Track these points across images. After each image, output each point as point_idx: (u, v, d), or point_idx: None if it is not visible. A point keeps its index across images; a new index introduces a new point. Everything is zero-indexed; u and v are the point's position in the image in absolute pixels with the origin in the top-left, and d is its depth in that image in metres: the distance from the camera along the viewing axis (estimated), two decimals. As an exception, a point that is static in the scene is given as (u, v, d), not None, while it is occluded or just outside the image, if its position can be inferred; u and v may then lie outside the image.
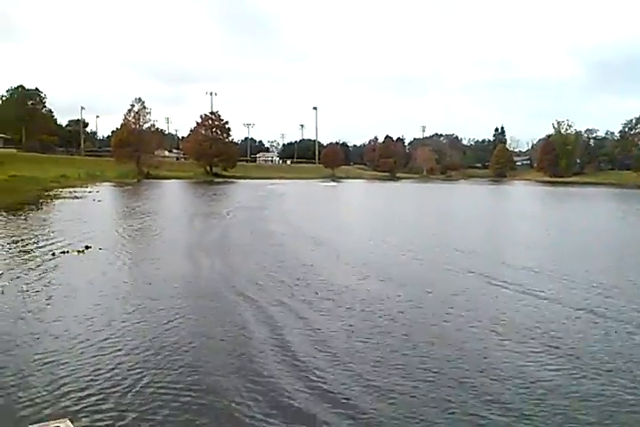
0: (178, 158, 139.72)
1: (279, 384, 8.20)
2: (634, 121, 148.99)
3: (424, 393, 8.00)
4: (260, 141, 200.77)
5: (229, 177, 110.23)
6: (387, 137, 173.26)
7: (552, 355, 9.69)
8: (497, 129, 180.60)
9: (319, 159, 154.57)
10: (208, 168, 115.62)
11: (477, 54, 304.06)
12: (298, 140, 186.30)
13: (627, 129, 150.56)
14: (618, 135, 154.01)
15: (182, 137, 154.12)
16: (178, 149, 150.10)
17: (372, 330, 10.92)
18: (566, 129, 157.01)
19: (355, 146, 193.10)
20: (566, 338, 10.62)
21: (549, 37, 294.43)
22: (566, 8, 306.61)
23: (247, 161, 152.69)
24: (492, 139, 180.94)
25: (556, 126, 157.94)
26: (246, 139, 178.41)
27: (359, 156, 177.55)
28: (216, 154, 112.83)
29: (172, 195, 60.62)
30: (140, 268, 17.19)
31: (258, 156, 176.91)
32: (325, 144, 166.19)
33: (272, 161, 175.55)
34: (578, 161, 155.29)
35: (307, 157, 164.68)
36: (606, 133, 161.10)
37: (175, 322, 11.12)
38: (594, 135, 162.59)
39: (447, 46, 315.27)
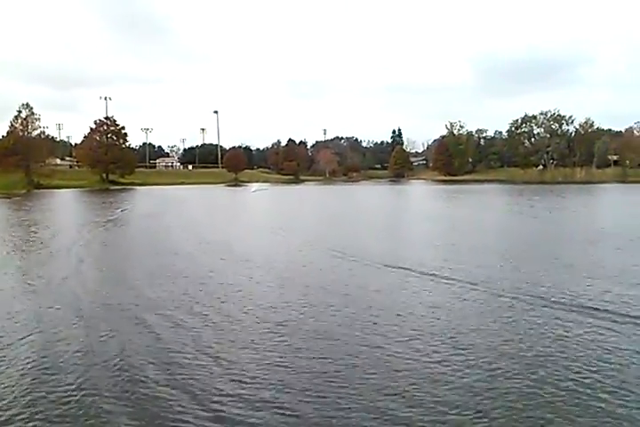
0: (71, 166, 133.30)
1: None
2: (519, 121, 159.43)
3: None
4: (160, 146, 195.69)
5: (127, 184, 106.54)
6: (289, 140, 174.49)
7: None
8: (394, 131, 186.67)
9: (222, 164, 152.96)
10: (104, 176, 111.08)
11: (376, 59, 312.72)
12: (199, 145, 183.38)
13: (513, 128, 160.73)
14: (506, 135, 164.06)
15: (75, 144, 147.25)
16: (71, 156, 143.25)
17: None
18: (458, 130, 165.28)
19: (258, 150, 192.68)
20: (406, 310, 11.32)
21: (442, 44, 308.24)
22: (457, 17, 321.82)
23: (146, 167, 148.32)
24: (389, 141, 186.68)
25: (449, 127, 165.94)
26: (144, 144, 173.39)
27: (263, 159, 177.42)
28: (112, 160, 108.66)
29: (58, 205, 58.07)
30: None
31: (157, 161, 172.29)
32: (228, 148, 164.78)
33: (173, 166, 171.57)
34: (470, 160, 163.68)
35: (209, 161, 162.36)
36: (495, 133, 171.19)
37: None
38: (484, 135, 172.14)
39: (347, 50, 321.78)
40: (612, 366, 9.14)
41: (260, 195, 72.08)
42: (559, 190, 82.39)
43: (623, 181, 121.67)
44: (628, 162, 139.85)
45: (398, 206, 56.63)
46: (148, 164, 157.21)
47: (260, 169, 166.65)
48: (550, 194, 72.87)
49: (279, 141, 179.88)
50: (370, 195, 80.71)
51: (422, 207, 53.06)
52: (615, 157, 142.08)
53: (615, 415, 7.40)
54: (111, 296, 14.32)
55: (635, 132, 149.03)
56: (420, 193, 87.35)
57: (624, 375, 8.71)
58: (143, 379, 8.68)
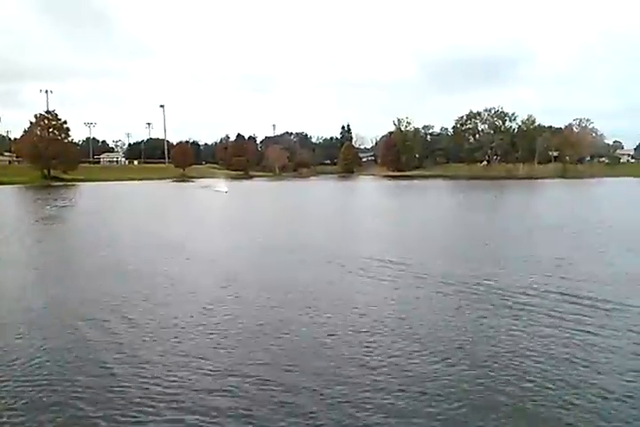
0: (11, 162, 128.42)
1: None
2: (464, 117, 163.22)
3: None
4: (104, 141, 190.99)
5: (70, 180, 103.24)
6: (238, 135, 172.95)
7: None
8: (343, 127, 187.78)
9: (169, 159, 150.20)
10: (46, 171, 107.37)
11: (324, 54, 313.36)
12: (145, 140, 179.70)
13: (458, 125, 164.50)
14: (451, 131, 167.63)
15: (15, 138, 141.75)
16: (10, 151, 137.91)
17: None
18: (406, 126, 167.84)
19: (206, 145, 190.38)
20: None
21: (390, 40, 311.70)
22: (405, 14, 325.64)
23: (90, 162, 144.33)
24: (339, 136, 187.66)
25: (396, 123, 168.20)
26: (88, 139, 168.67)
27: (211, 155, 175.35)
28: (54, 156, 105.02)
29: None
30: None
31: (102, 157, 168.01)
32: (175, 143, 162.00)
33: (118, 162, 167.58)
34: (417, 156, 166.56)
35: (155, 156, 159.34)
36: (441, 129, 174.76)
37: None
38: (430, 131, 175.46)
39: (296, 45, 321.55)
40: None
41: (207, 192, 70.60)
42: (501, 186, 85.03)
43: (563, 177, 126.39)
44: (567, 158, 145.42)
45: (347, 202, 57.33)
46: (91, 159, 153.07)
47: (209, 164, 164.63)
48: (491, 189, 75.28)
49: (228, 136, 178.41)
50: (319, 191, 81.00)
51: (370, 203, 53.79)
52: (556, 153, 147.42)
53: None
54: (21, 298, 14.04)
55: (574, 128, 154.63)
56: (369, 189, 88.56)
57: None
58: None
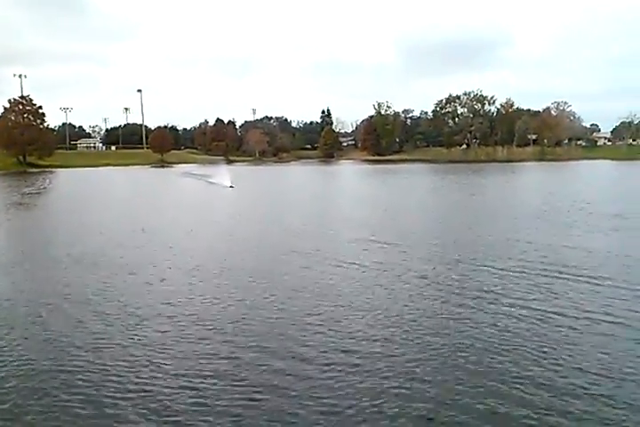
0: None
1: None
2: (444, 101, 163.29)
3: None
4: (81, 127, 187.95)
5: (46, 166, 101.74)
6: (217, 120, 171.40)
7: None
8: (324, 111, 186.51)
9: (147, 144, 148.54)
10: (21, 158, 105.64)
11: (304, 38, 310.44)
12: (122, 125, 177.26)
13: (438, 109, 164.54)
14: (431, 115, 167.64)
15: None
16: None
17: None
18: (386, 110, 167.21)
19: (185, 129, 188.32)
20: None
21: (370, 24, 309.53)
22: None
23: (67, 148, 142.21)
24: (319, 121, 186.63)
25: (376, 107, 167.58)
26: (64, 124, 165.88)
27: (190, 140, 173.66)
28: (29, 142, 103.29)
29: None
30: None
31: (78, 142, 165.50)
32: (153, 128, 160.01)
33: (95, 147, 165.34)
34: (397, 140, 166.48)
35: (133, 142, 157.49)
36: (421, 113, 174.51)
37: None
38: (410, 115, 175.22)
39: (275, 29, 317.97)
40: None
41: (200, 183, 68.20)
42: (479, 169, 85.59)
43: (541, 159, 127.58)
44: (545, 141, 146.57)
45: (330, 188, 57.38)
46: (68, 145, 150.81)
47: (188, 149, 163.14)
48: (470, 173, 75.82)
49: (207, 121, 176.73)
50: (300, 176, 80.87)
51: (351, 188, 54.00)
52: (534, 136, 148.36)
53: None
54: None
55: (552, 111, 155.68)
56: (350, 173, 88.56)
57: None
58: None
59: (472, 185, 55.28)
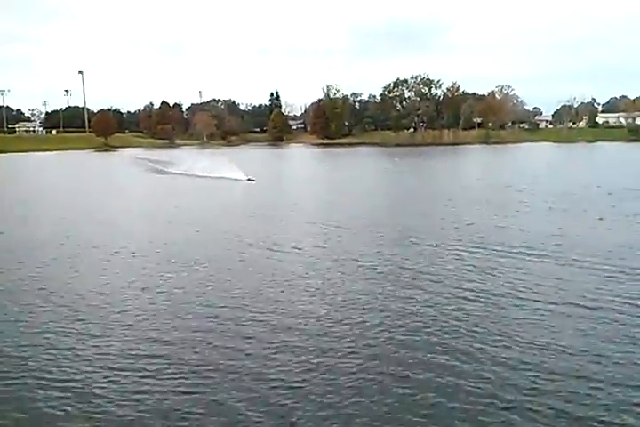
0: None
1: None
2: (391, 85, 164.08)
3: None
4: (19, 110, 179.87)
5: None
6: (163, 103, 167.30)
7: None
8: (272, 94, 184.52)
9: (90, 128, 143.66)
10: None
11: (251, 19, 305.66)
12: (63, 108, 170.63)
13: (386, 92, 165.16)
14: (379, 98, 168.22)
15: None
16: None
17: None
18: (335, 93, 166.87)
19: (129, 113, 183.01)
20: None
21: (319, 6, 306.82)
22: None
23: (4, 132, 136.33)
24: (268, 104, 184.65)
25: (325, 91, 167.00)
26: (0, 107, 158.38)
27: (135, 123, 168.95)
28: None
29: None
30: None
31: (17, 126, 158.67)
32: (96, 111, 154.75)
33: (34, 131, 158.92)
34: (346, 123, 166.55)
35: (75, 125, 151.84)
36: (369, 97, 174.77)
37: None
38: (359, 99, 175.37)
39: (222, 8, 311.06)
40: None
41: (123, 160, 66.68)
42: (425, 152, 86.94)
43: (486, 142, 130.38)
44: (490, 124, 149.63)
45: (283, 171, 57.15)
46: (6, 129, 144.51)
47: (133, 133, 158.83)
48: (416, 156, 76.99)
49: (152, 104, 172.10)
50: (250, 160, 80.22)
51: (302, 171, 54.02)
52: (479, 120, 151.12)
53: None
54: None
55: (496, 95, 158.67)
56: (300, 157, 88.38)
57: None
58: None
59: (419, 168, 56.18)
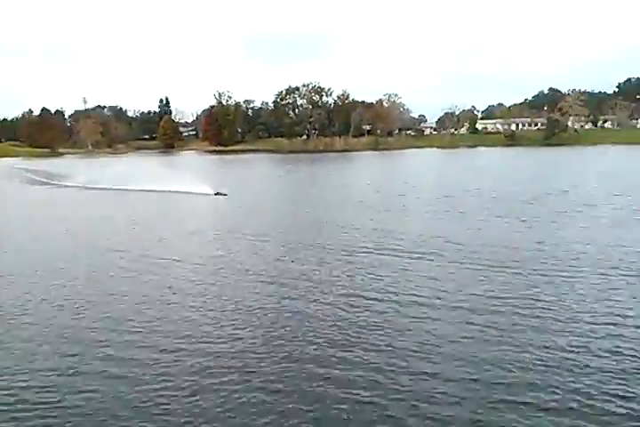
0: None
1: None
2: (284, 92, 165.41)
3: None
4: None
5: None
6: (43, 109, 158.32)
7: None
8: (162, 100, 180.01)
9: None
10: None
11: (137, 24, 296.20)
12: None
13: (278, 100, 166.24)
14: (272, 105, 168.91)
15: None
16: None
17: None
18: (227, 100, 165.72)
19: (5, 120, 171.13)
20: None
21: (212, 13, 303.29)
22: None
23: None
24: (157, 110, 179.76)
25: (217, 97, 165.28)
26: None
27: (12, 131, 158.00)
28: None
29: None
30: None
31: None
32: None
33: None
34: (239, 130, 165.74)
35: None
36: (262, 104, 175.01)
37: None
38: (252, 106, 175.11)
39: (103, 14, 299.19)
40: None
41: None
42: (319, 159, 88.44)
43: (375, 149, 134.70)
44: (379, 131, 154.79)
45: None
46: None
47: (10, 142, 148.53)
48: (309, 162, 78.09)
49: (31, 111, 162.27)
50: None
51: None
52: (368, 127, 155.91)
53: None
54: None
55: (384, 103, 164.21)
56: (193, 165, 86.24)
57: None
58: None
59: (309, 174, 56.94)
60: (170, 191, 37.27)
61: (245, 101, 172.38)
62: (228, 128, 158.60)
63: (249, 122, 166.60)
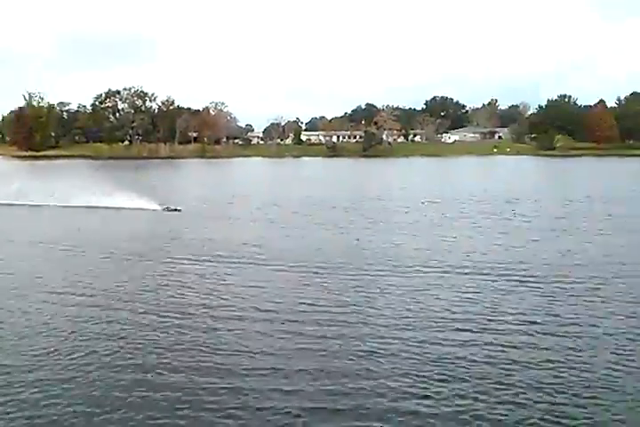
0: None
1: None
2: (103, 95, 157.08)
3: None
4: None
5: None
6: None
7: None
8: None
9: None
10: None
11: None
12: None
13: (97, 103, 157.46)
14: (90, 109, 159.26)
15: None
16: None
17: None
18: (39, 102, 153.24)
19: None
20: None
21: (25, 10, 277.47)
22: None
23: None
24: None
25: (27, 98, 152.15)
26: None
27: None
28: None
29: None
30: None
31: None
32: None
33: None
34: (53, 134, 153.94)
35: None
36: (79, 107, 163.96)
37: None
38: (67, 109, 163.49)
39: None
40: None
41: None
42: (142, 166, 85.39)
43: (202, 157, 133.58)
44: (205, 139, 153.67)
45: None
46: None
47: None
48: (131, 169, 75.08)
49: None
50: None
51: None
52: (195, 134, 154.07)
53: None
54: None
55: (210, 111, 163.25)
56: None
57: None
58: None
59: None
60: None
61: (60, 104, 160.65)
62: (40, 132, 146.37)
63: (64, 126, 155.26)
